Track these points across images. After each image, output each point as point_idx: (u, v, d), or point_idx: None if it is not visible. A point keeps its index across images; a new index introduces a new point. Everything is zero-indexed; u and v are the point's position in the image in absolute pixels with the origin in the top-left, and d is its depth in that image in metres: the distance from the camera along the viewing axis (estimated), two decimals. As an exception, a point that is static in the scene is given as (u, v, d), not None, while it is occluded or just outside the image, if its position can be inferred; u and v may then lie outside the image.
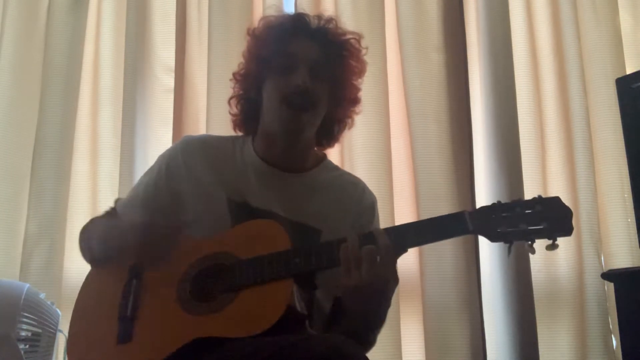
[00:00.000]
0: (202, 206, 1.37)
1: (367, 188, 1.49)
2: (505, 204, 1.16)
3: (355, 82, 1.45)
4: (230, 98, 1.47)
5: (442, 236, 1.21)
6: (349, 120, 1.49)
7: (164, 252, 1.29)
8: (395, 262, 1.19)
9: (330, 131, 1.47)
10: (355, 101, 1.47)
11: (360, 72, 1.45)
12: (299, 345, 1.00)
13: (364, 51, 1.44)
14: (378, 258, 1.14)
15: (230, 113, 1.48)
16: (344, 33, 1.42)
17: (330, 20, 1.42)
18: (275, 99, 1.35)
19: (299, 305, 1.20)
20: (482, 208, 1.18)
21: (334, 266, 1.17)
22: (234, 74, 1.46)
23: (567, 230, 1.13)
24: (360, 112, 1.50)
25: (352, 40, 1.42)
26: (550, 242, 1.13)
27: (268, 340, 1.05)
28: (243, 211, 1.34)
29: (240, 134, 1.50)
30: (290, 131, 1.37)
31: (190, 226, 1.38)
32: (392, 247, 1.15)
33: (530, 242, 1.14)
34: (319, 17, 1.42)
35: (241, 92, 1.45)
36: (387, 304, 1.26)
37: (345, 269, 1.15)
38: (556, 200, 1.15)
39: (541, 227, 1.13)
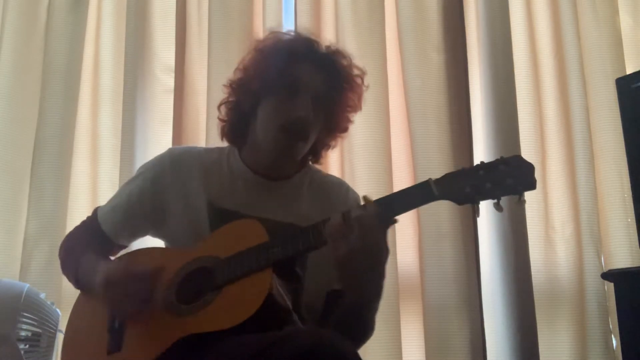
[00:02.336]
0: (187, 218, 1.38)
1: (351, 188, 1.51)
2: (469, 168, 1.18)
3: (349, 115, 1.47)
4: (221, 104, 1.47)
5: (411, 205, 1.21)
6: (334, 143, 1.52)
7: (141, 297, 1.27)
8: (383, 232, 1.19)
9: (316, 152, 1.49)
10: (345, 130, 1.49)
11: (357, 108, 1.46)
12: (286, 339, 0.99)
13: (364, 88, 1.45)
14: (365, 226, 1.14)
15: (218, 118, 1.48)
16: (350, 67, 1.43)
17: (337, 50, 1.42)
18: (274, 123, 1.36)
19: (285, 297, 1.21)
20: (447, 174, 1.19)
21: (310, 250, 1.20)
22: (230, 82, 1.45)
23: (531, 184, 1.14)
24: (345, 138, 1.54)
25: (356, 76, 1.43)
26: (517, 198, 1.15)
27: (255, 337, 1.06)
28: (230, 219, 1.34)
29: (226, 143, 1.50)
30: (283, 155, 1.39)
31: (177, 239, 1.40)
32: (377, 214, 1.16)
33: (496, 201, 1.15)
34: (328, 46, 1.43)
35: (233, 99, 1.45)
36: (382, 275, 1.26)
37: (334, 241, 1.16)
38: (518, 157, 1.16)
39: (506, 184, 1.14)
